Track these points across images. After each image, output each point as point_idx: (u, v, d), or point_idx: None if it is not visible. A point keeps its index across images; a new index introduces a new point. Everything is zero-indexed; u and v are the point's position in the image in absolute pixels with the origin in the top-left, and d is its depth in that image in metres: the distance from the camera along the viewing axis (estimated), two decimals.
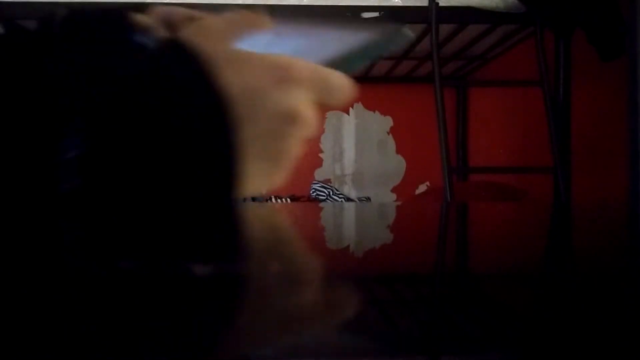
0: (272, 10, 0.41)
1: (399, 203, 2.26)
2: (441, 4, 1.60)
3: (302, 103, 0.35)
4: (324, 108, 0.37)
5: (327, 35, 0.42)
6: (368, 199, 2.56)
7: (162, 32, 0.35)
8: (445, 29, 1.75)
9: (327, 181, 2.57)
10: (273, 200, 2.39)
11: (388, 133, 2.61)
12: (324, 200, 2.37)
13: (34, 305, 0.18)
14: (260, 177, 0.35)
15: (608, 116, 2.47)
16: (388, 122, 2.60)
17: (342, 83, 0.37)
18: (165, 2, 1.66)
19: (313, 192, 2.41)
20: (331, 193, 2.39)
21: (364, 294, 0.22)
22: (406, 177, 2.61)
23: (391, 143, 2.61)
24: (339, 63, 0.38)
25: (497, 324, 0.18)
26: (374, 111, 2.60)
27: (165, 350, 0.15)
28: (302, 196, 2.44)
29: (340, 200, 2.38)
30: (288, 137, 0.35)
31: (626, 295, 0.22)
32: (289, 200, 2.39)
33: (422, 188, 2.59)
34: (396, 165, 2.61)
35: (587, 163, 2.38)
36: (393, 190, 2.61)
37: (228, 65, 0.33)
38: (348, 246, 0.36)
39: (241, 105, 0.32)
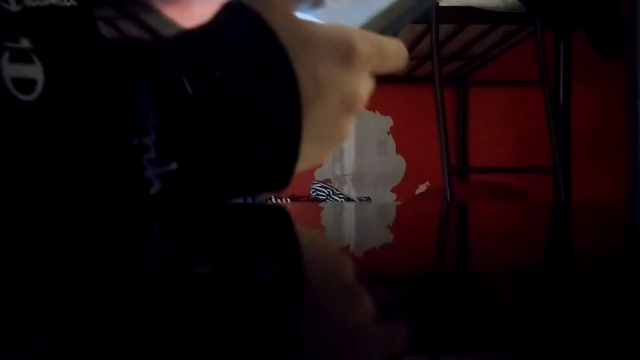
0: None
1: (399, 203, 2.26)
2: (441, 4, 1.60)
3: (362, 84, 0.36)
4: (379, 74, 0.37)
5: None
6: (368, 199, 2.56)
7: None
8: (445, 29, 1.75)
9: (327, 181, 2.57)
10: (273, 200, 2.39)
11: (388, 133, 2.61)
12: (324, 200, 2.37)
13: None
14: (311, 156, 0.35)
15: (608, 116, 2.47)
16: (388, 122, 2.60)
17: (397, 49, 0.38)
18: None
19: (313, 192, 2.41)
20: (331, 193, 2.39)
21: (364, 294, 0.22)
22: (406, 177, 2.61)
23: (391, 143, 2.61)
24: (384, 26, 0.38)
25: (497, 324, 0.18)
26: (374, 111, 2.60)
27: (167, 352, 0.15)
28: (302, 196, 2.44)
29: (340, 200, 2.38)
30: (346, 120, 0.36)
31: (626, 295, 0.22)
32: (289, 200, 2.39)
33: (422, 188, 2.59)
34: (396, 165, 2.61)
35: (587, 163, 2.38)
36: (393, 190, 2.61)
37: (296, 42, 0.33)
38: (348, 246, 0.36)
39: (308, 87, 0.33)
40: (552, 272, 0.27)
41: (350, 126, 0.37)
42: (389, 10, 0.39)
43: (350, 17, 0.38)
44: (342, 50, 0.35)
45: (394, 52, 0.38)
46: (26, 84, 0.29)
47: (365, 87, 0.36)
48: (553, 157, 1.62)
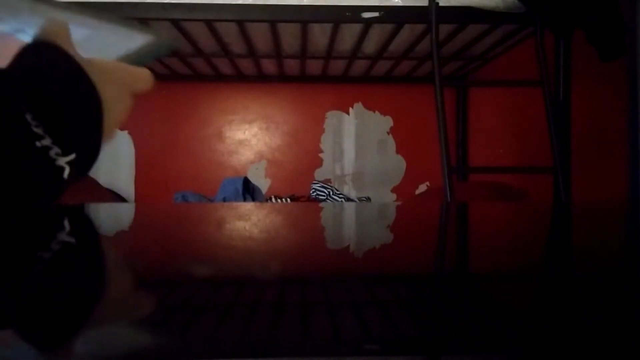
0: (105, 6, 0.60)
1: (399, 203, 2.26)
2: (441, 4, 1.60)
3: (128, 96, 0.51)
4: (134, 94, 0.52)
5: (108, 30, 0.56)
6: (368, 199, 2.56)
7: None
8: (445, 29, 1.75)
9: (327, 181, 2.57)
10: (273, 200, 2.39)
11: (388, 133, 2.61)
12: (324, 200, 2.37)
13: None
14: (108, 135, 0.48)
15: (608, 116, 2.47)
16: (388, 122, 2.60)
17: (145, 76, 0.53)
18: (165, 2, 1.66)
19: (313, 192, 2.41)
20: (331, 193, 2.39)
21: (364, 294, 0.22)
22: (406, 177, 2.61)
23: (391, 143, 2.62)
24: (133, 59, 0.53)
25: (497, 324, 0.18)
26: (374, 111, 2.61)
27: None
28: (302, 196, 2.44)
29: (340, 200, 2.38)
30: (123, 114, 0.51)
31: (626, 295, 0.22)
32: (289, 200, 2.39)
33: (422, 188, 2.59)
34: (396, 165, 2.61)
35: (587, 163, 2.38)
36: (393, 190, 2.62)
37: (91, 70, 0.46)
38: (348, 246, 0.36)
39: (105, 96, 0.47)
40: (552, 272, 0.27)
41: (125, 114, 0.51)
42: (137, 50, 0.54)
43: (106, 53, 0.53)
44: (116, 77, 0.50)
45: (143, 78, 0.53)
46: None
47: (130, 96, 0.52)
48: (553, 157, 1.62)
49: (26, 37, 0.50)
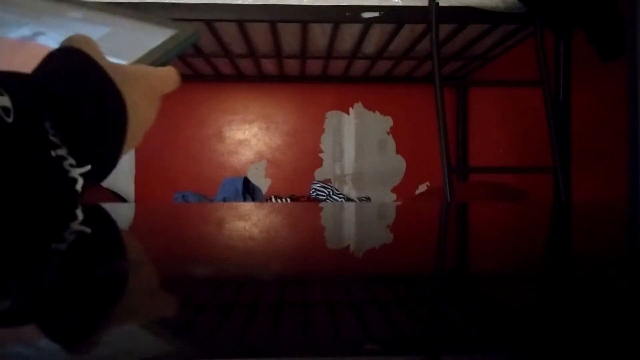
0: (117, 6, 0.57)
1: (399, 203, 2.26)
2: (441, 4, 1.60)
3: (156, 100, 0.51)
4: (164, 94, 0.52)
5: (129, 27, 0.54)
6: (368, 199, 2.56)
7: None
8: (445, 29, 1.75)
9: (327, 181, 2.57)
10: (273, 200, 2.39)
11: (388, 133, 2.61)
12: (324, 200, 2.37)
13: None
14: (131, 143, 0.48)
15: (608, 116, 2.47)
16: (388, 122, 2.60)
17: (171, 76, 0.51)
18: (165, 2, 1.66)
19: (313, 192, 2.41)
20: (331, 193, 2.39)
21: (364, 294, 0.22)
22: (406, 177, 2.61)
23: (391, 143, 2.62)
24: (158, 55, 0.51)
25: (497, 324, 0.18)
26: (374, 111, 2.61)
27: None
28: (302, 196, 2.44)
29: (340, 200, 2.38)
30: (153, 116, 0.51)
31: (626, 295, 0.22)
32: (289, 200, 2.39)
33: (422, 188, 2.59)
34: (396, 165, 2.61)
35: (587, 163, 2.38)
36: (393, 190, 2.62)
37: (117, 75, 0.45)
38: (348, 246, 0.36)
39: (130, 104, 0.46)
40: (552, 272, 0.27)
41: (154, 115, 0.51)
42: (161, 45, 0.52)
43: (130, 51, 0.51)
44: (145, 83, 0.49)
45: (171, 78, 0.52)
46: None
47: (158, 100, 0.51)
48: (553, 157, 1.62)
49: (47, 40, 0.50)
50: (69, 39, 0.46)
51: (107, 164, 0.44)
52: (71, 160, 0.40)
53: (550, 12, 1.61)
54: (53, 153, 0.39)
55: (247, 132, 2.58)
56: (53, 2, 0.51)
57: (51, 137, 0.39)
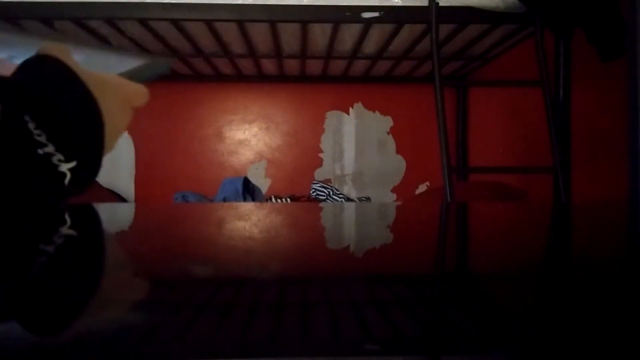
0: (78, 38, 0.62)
1: (399, 203, 2.26)
2: (441, 4, 1.60)
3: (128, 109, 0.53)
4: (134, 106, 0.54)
5: (103, 55, 0.60)
6: (368, 199, 2.56)
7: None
8: (445, 29, 1.75)
9: (327, 181, 2.57)
10: (273, 200, 2.39)
11: (388, 133, 2.61)
12: (324, 200, 2.37)
13: None
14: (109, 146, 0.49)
15: (608, 116, 2.47)
16: (388, 122, 2.60)
17: (141, 92, 0.55)
18: (165, 2, 1.66)
19: (313, 192, 2.41)
20: (331, 193, 2.39)
21: (364, 294, 0.22)
22: (406, 177, 2.61)
23: (391, 143, 2.62)
24: (131, 78, 0.56)
25: (497, 324, 0.18)
26: (374, 111, 2.61)
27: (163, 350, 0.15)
28: (302, 196, 2.44)
29: (340, 200, 2.38)
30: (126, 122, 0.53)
31: (626, 295, 0.22)
32: (289, 200, 2.39)
33: (422, 188, 2.59)
34: (396, 165, 2.61)
35: (587, 163, 2.38)
36: (393, 190, 2.62)
37: (89, 81, 0.47)
38: (348, 246, 0.36)
39: (105, 110, 0.48)
40: (552, 272, 0.27)
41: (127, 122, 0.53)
42: (135, 69, 0.58)
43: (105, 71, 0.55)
44: (118, 91, 0.52)
45: (140, 93, 0.55)
46: None
47: (130, 110, 0.54)
48: (553, 157, 1.62)
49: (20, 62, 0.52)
50: (44, 47, 0.47)
51: (91, 164, 0.46)
52: (59, 156, 0.42)
53: (550, 12, 1.61)
54: (40, 151, 0.41)
55: (247, 132, 2.58)
56: (26, 37, 0.54)
57: (36, 137, 0.41)
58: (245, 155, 2.58)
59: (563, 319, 0.18)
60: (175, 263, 0.27)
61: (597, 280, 0.24)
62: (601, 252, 0.31)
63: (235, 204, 1.69)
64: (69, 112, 0.44)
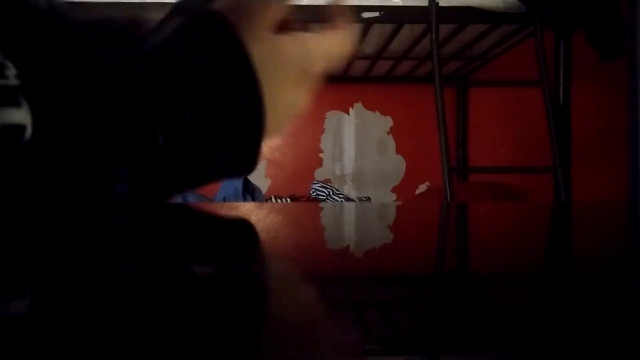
0: None
1: (399, 203, 2.26)
2: (441, 4, 1.60)
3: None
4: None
5: None
6: (368, 199, 2.56)
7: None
8: (445, 29, 1.75)
9: (327, 181, 2.57)
10: (273, 200, 2.39)
11: (388, 133, 2.61)
12: (324, 200, 2.37)
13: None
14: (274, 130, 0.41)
15: (608, 116, 2.47)
16: (388, 122, 2.60)
17: (345, 40, 0.45)
18: (165, 2, 1.66)
19: (313, 192, 2.41)
20: (331, 193, 2.39)
21: (364, 294, 0.22)
22: (406, 177, 2.61)
23: (391, 143, 2.62)
24: None
25: (497, 324, 0.18)
26: (374, 111, 2.61)
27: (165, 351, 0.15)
28: (302, 196, 2.44)
29: (340, 200, 2.38)
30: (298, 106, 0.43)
31: (626, 295, 0.22)
32: (289, 200, 2.39)
33: (422, 188, 2.59)
34: (396, 165, 2.61)
35: (587, 163, 2.38)
36: (393, 190, 2.62)
37: (265, 62, 0.38)
38: (348, 246, 0.36)
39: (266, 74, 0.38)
40: (552, 272, 0.27)
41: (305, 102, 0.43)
42: None
43: None
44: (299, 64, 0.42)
45: (339, 45, 0.45)
46: (14, 128, 0.30)
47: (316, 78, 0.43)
48: (553, 157, 1.62)
49: None
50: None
51: (249, 155, 0.41)
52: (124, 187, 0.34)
53: (550, 12, 1.61)
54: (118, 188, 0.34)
55: None
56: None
57: (117, 169, 0.33)
58: None
59: (563, 319, 0.18)
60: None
61: (597, 280, 0.24)
62: (601, 252, 0.31)
63: (235, 204, 1.69)
64: (218, 101, 0.36)
